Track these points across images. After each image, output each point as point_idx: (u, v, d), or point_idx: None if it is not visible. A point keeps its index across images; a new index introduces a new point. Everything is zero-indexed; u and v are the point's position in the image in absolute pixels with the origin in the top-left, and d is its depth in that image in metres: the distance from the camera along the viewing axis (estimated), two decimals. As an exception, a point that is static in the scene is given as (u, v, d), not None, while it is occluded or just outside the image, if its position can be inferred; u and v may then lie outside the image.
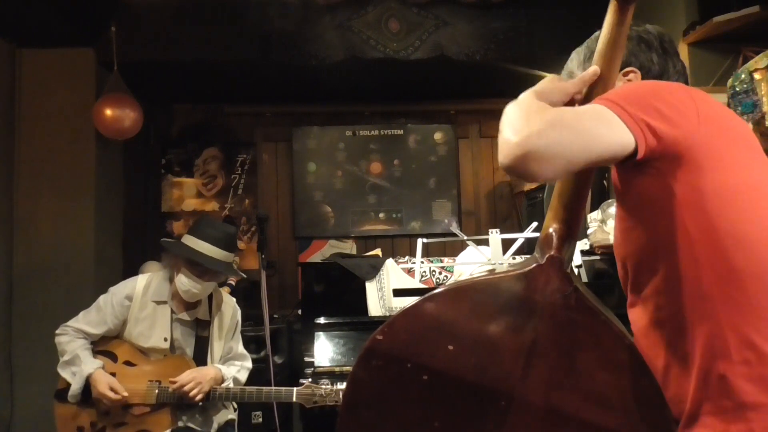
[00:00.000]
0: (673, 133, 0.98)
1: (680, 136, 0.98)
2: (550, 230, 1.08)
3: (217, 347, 2.50)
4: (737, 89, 2.43)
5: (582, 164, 0.93)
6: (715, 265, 0.99)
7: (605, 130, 0.93)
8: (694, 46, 2.94)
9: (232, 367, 2.51)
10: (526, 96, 1.03)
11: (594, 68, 1.06)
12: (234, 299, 2.64)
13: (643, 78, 1.20)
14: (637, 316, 1.12)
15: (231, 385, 2.42)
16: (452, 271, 2.84)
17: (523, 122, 0.91)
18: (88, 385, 2.30)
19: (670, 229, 1.02)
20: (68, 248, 3.60)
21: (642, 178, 1.02)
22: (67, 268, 3.58)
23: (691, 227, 1.00)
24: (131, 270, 3.64)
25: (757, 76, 2.37)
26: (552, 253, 1.05)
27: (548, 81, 1.08)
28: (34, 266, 3.55)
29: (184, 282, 2.38)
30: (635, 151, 0.96)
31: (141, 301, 2.41)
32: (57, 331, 2.41)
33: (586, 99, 1.08)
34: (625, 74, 1.20)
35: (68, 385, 2.34)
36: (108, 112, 3.52)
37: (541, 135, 0.89)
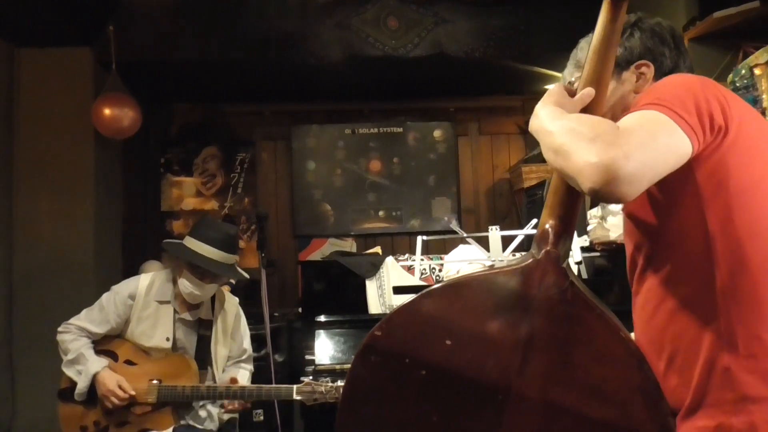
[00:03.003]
0: (713, 131, 1.00)
1: (718, 133, 1.00)
2: (546, 226, 1.09)
3: (221, 347, 2.51)
4: (737, 85, 2.42)
5: (661, 177, 0.95)
6: (729, 259, 1.00)
7: (674, 142, 0.95)
8: (693, 41, 2.94)
9: (245, 371, 2.55)
10: (557, 111, 1.04)
11: (590, 90, 1.07)
12: (236, 299, 2.64)
13: (655, 72, 1.20)
14: (642, 305, 1.13)
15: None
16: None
17: (598, 144, 0.92)
18: (92, 384, 2.31)
19: (689, 221, 1.03)
20: (68, 248, 3.60)
21: None
22: (67, 268, 3.58)
23: (711, 220, 1.01)
24: (131, 269, 3.65)
25: (757, 71, 2.37)
26: (548, 248, 1.06)
27: (560, 96, 1.09)
28: (34, 266, 3.55)
29: (186, 285, 2.39)
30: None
31: (144, 300, 2.41)
32: (59, 329, 2.40)
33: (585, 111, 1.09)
34: (638, 67, 1.20)
35: (71, 384, 2.34)
36: (107, 111, 3.52)
37: (628, 158, 0.90)
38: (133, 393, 2.30)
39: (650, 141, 0.93)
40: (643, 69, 1.20)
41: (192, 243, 2.39)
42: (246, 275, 2.52)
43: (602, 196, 0.92)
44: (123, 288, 2.45)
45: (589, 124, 0.97)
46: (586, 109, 1.08)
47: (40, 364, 3.31)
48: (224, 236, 2.41)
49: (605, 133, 0.94)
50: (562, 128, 0.99)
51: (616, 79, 1.20)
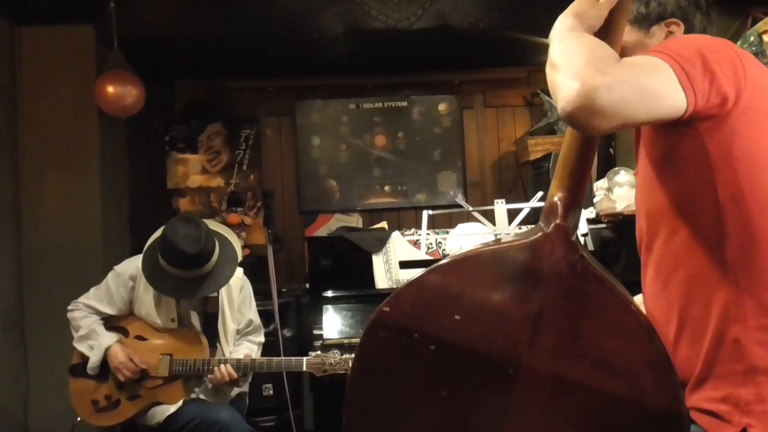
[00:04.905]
0: (719, 95, 0.97)
1: (725, 99, 0.97)
2: (555, 199, 1.08)
3: (229, 322, 2.52)
4: (746, 52, 2.38)
5: (639, 123, 0.94)
6: (739, 231, 0.99)
7: (666, 92, 0.92)
8: (702, 8, 2.88)
9: (252, 344, 2.56)
10: (571, 24, 1.01)
11: None
12: (241, 269, 2.65)
13: (684, 33, 1.18)
14: (653, 276, 1.12)
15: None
16: (458, 243, 2.84)
17: (588, 68, 0.89)
18: (104, 359, 2.34)
19: (699, 191, 1.01)
20: (75, 226, 3.61)
21: (677, 135, 1.01)
22: (75, 246, 3.60)
23: (721, 191, 0.99)
24: (138, 246, 3.65)
25: (766, 38, 2.33)
26: (557, 221, 1.05)
27: (585, 1, 1.06)
28: (43, 245, 3.58)
29: None
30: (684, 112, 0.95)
31: (146, 281, 2.42)
32: (69, 307, 2.44)
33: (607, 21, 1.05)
34: (668, 24, 1.18)
35: (83, 360, 2.38)
36: (110, 89, 3.49)
37: (611, 90, 0.87)
38: (143, 366, 2.33)
39: (642, 81, 0.91)
40: (673, 27, 1.18)
41: (165, 264, 2.34)
42: (239, 256, 2.47)
43: (573, 120, 0.90)
44: (124, 268, 2.46)
45: (592, 48, 0.95)
46: (609, 21, 1.04)
47: (52, 340, 3.35)
48: (188, 256, 2.27)
49: (601, 60, 0.91)
50: (567, 44, 0.97)
51: (645, 32, 1.19)
